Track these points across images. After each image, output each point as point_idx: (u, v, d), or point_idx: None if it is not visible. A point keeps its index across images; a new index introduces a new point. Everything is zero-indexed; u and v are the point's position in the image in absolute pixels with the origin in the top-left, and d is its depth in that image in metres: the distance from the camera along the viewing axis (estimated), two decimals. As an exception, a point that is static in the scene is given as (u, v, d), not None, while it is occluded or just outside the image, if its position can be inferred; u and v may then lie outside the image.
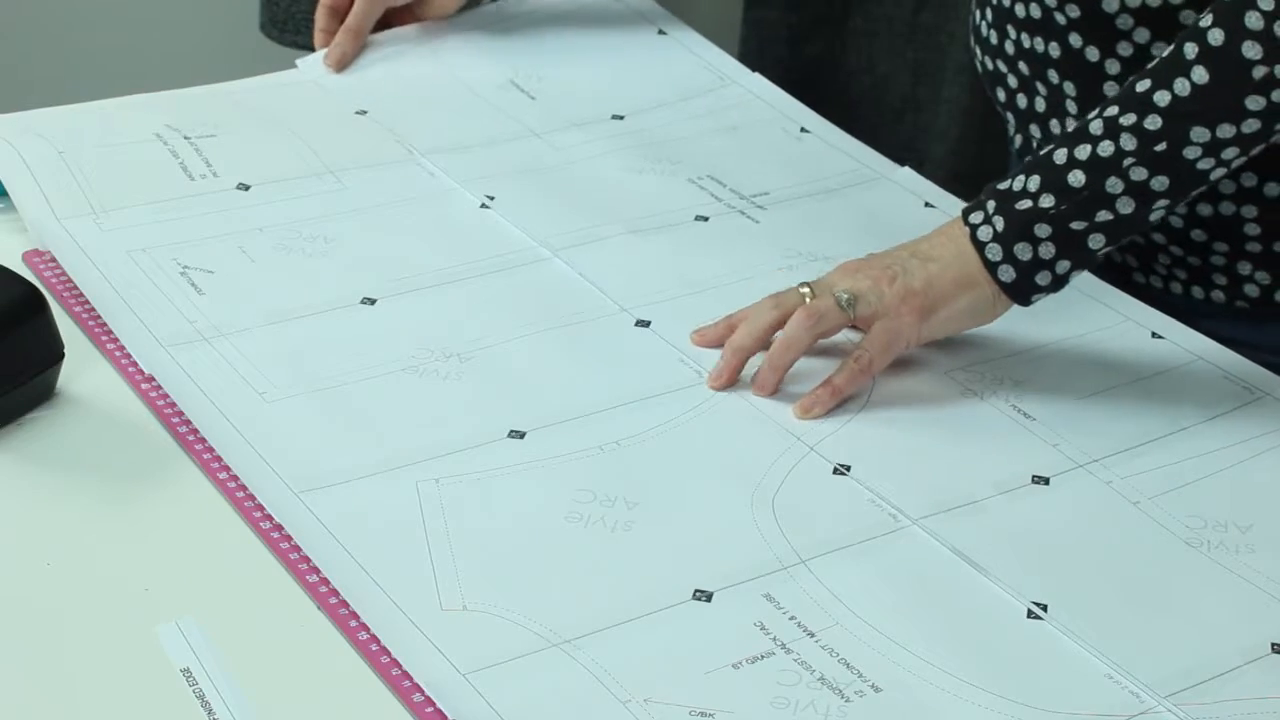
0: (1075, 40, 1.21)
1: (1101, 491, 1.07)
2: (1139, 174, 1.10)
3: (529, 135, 1.42)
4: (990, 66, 1.30)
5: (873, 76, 2.52)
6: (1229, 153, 1.10)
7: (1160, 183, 1.10)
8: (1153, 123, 1.09)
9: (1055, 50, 1.22)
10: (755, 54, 2.52)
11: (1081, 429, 1.12)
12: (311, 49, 1.53)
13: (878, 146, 1.46)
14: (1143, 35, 1.18)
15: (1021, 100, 1.28)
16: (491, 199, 1.32)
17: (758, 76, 1.52)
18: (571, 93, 1.48)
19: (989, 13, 1.28)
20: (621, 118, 1.45)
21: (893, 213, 1.35)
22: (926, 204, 1.36)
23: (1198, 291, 1.26)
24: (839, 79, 2.54)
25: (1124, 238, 1.13)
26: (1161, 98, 1.09)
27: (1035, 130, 1.28)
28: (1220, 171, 1.11)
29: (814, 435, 1.10)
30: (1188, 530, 1.04)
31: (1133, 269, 1.30)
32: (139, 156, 1.34)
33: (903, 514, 1.03)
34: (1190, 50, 1.09)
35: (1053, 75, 1.23)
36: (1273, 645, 0.96)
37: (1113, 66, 1.20)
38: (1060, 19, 1.20)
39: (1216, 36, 1.07)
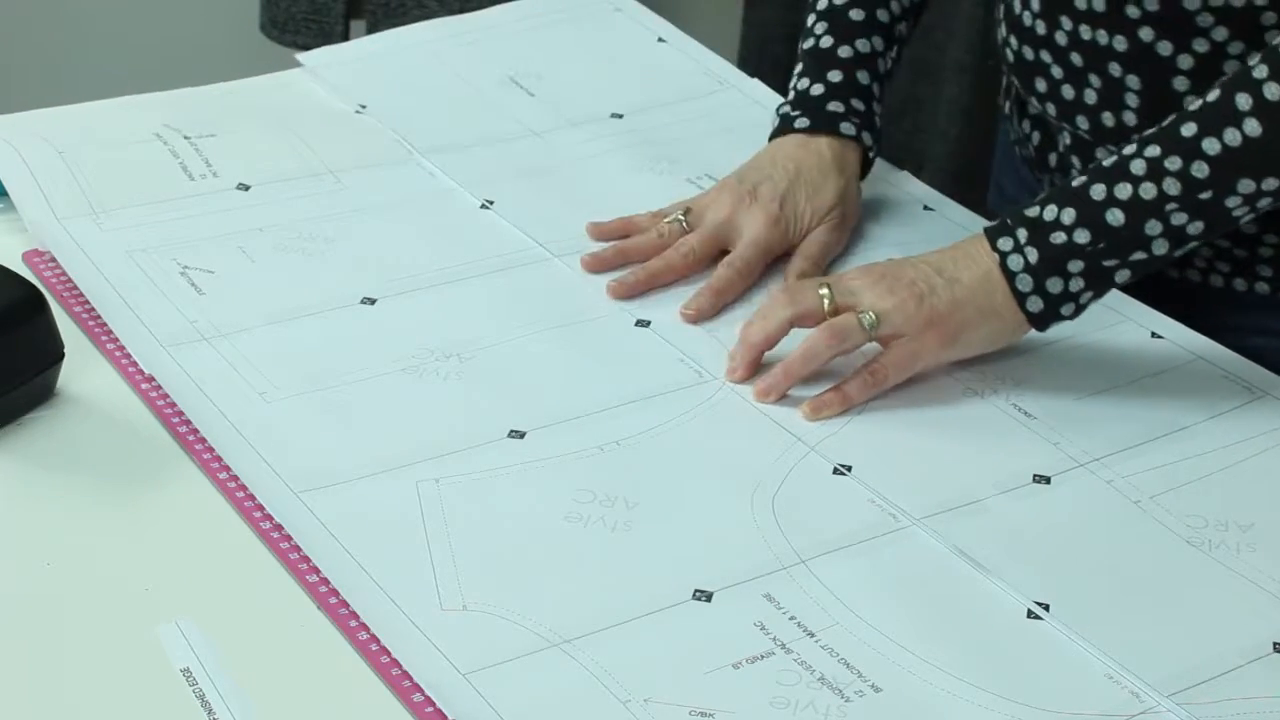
0: (1146, 34, 1.19)
1: (1102, 491, 1.07)
2: (1179, 219, 1.11)
3: (529, 135, 1.42)
4: (1031, 56, 1.28)
5: (872, 76, 2.52)
6: (1265, 201, 1.11)
7: (1196, 227, 1.11)
8: (1199, 170, 1.09)
9: (1121, 43, 1.20)
10: (755, 54, 2.52)
11: (1082, 428, 1.12)
12: (310, 48, 1.52)
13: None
14: (1221, 33, 1.17)
15: (1068, 91, 1.26)
16: (491, 200, 1.32)
17: (756, 82, 1.52)
18: (571, 92, 1.48)
19: (1035, 2, 1.26)
20: (621, 116, 1.45)
21: (891, 215, 1.35)
22: (925, 207, 1.36)
23: (1239, 284, 1.26)
24: (839, 79, 2.54)
25: (1147, 273, 1.14)
26: (1210, 145, 1.09)
27: (1083, 122, 1.26)
28: (1250, 215, 1.12)
29: (814, 435, 1.10)
30: (1188, 529, 1.04)
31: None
32: (139, 156, 1.34)
33: (903, 514, 1.03)
34: (1243, 101, 1.08)
35: (1114, 68, 1.22)
36: (1274, 645, 0.96)
37: (1185, 61, 1.19)
38: (1133, 12, 1.19)
39: (1273, 91, 1.08)
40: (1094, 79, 1.24)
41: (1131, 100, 1.22)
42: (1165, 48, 1.19)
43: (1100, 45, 1.22)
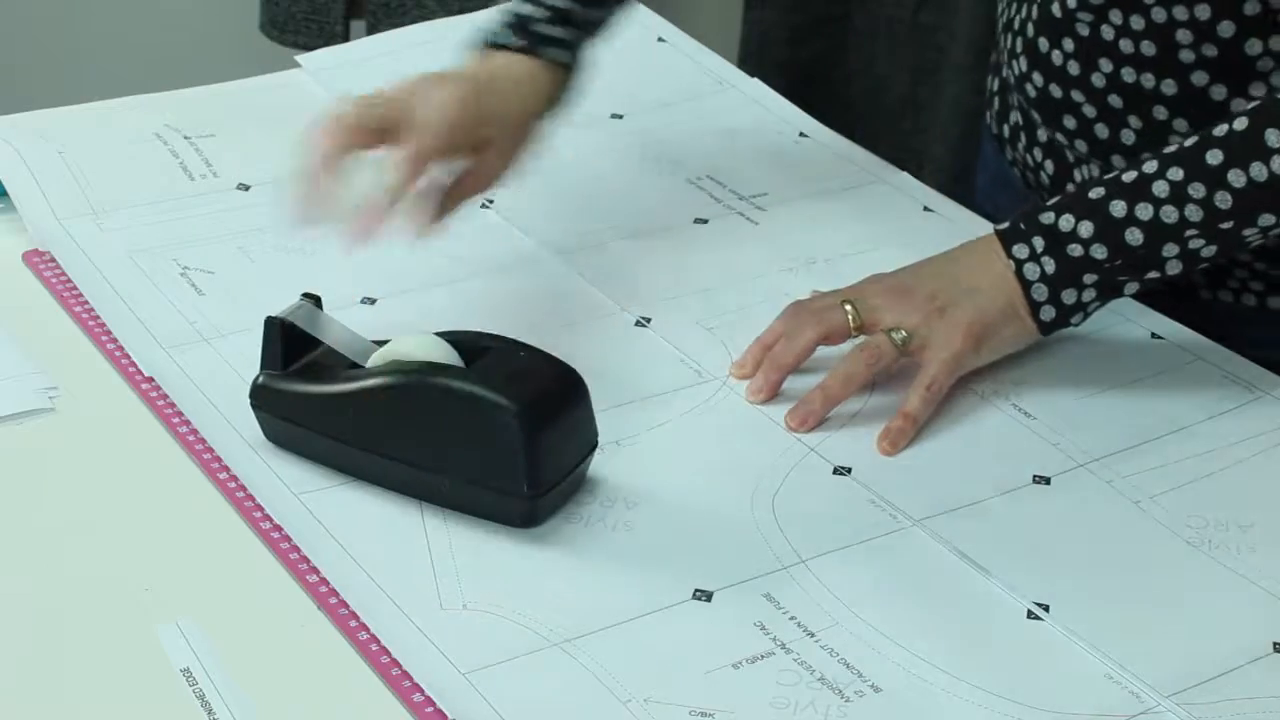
0: (1200, 78, 1.19)
1: (1102, 491, 1.07)
2: (1197, 243, 1.11)
3: (529, 135, 1.41)
4: (1059, 94, 1.26)
5: (872, 77, 2.53)
6: (1278, 231, 1.11)
7: (1211, 251, 1.12)
8: (1223, 200, 1.09)
9: (1170, 87, 1.20)
10: (755, 54, 2.52)
11: (1082, 428, 1.12)
12: (310, 48, 1.52)
13: (877, 147, 1.46)
14: None
15: (1101, 130, 1.25)
16: (491, 200, 1.32)
17: (756, 82, 1.52)
18: (571, 93, 1.48)
19: (1068, 43, 1.24)
20: (621, 117, 1.45)
21: (892, 215, 1.35)
22: (925, 208, 1.36)
23: (1274, 302, 1.26)
24: (839, 79, 2.55)
25: (1153, 287, 1.15)
26: (1236, 177, 1.09)
27: (1119, 161, 1.25)
28: (1260, 242, 1.13)
29: (814, 436, 1.10)
30: (1188, 530, 1.04)
31: (1199, 286, 1.28)
32: (139, 156, 1.34)
33: (903, 514, 1.03)
34: (1274, 138, 1.08)
35: (1159, 111, 1.21)
36: (1274, 644, 0.96)
37: (1239, 106, 1.17)
38: (1187, 57, 1.18)
39: None
40: (1134, 120, 1.23)
41: (1176, 143, 1.19)
42: (1219, 92, 1.19)
43: (1145, 88, 1.21)
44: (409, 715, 0.88)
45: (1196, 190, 1.10)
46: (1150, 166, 1.12)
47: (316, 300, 1.06)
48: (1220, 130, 1.11)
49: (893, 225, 1.33)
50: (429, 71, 1.16)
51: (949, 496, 1.05)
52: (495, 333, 1.05)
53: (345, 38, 2.36)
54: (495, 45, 1.19)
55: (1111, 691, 0.92)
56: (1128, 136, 1.24)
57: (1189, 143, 1.12)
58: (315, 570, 0.96)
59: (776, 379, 1.12)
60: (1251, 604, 0.99)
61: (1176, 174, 1.11)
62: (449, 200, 1.15)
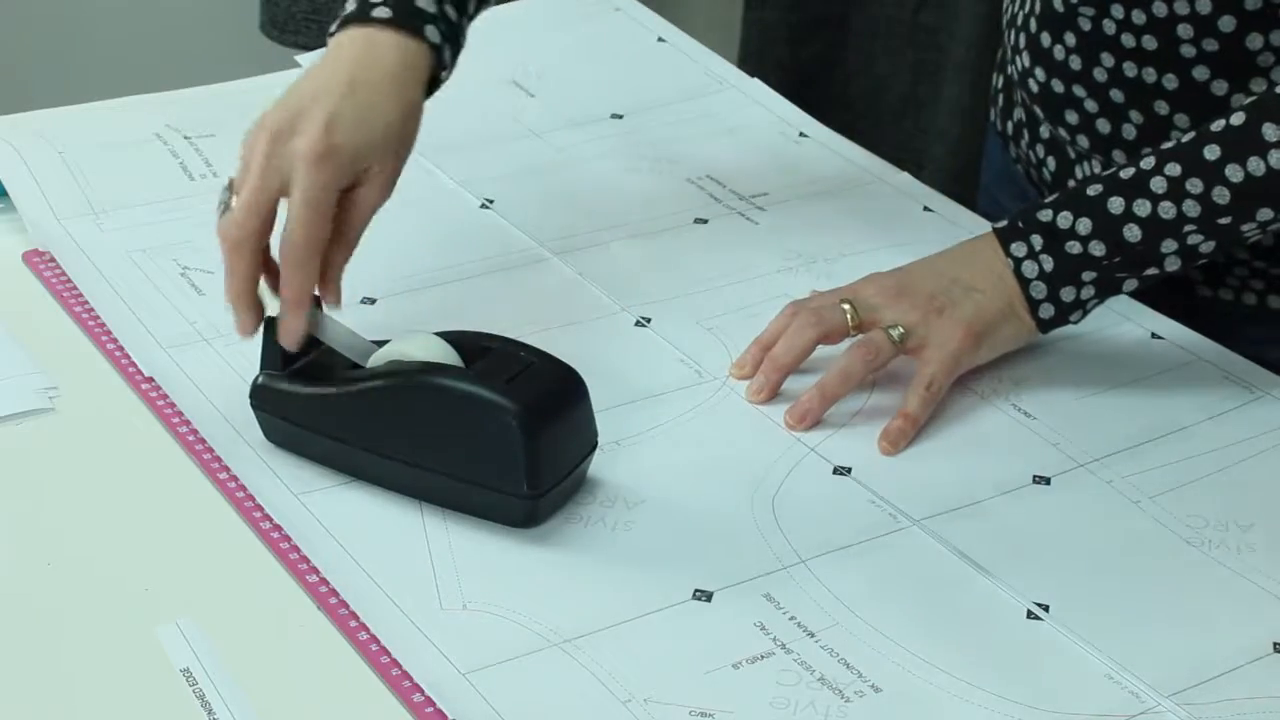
0: (1201, 73, 1.19)
1: (1102, 491, 1.07)
2: (1195, 239, 1.11)
3: (529, 135, 1.42)
4: (1061, 89, 1.26)
5: (872, 77, 2.52)
6: (1277, 226, 1.11)
7: (1209, 246, 1.12)
8: (1220, 196, 1.09)
9: (1171, 82, 1.20)
10: (755, 54, 2.52)
11: (1082, 428, 1.12)
12: (310, 48, 1.52)
13: (877, 147, 1.46)
14: None
15: (1103, 126, 1.25)
16: (491, 200, 1.32)
17: (756, 82, 1.52)
18: (571, 92, 1.48)
19: (1070, 38, 1.24)
20: (621, 117, 1.45)
21: (892, 216, 1.35)
22: (925, 208, 1.36)
23: (1275, 301, 1.26)
24: (839, 79, 2.55)
25: (1152, 284, 1.14)
26: (1234, 173, 1.09)
27: (1119, 156, 1.25)
28: (1259, 237, 1.13)
29: (814, 436, 1.10)
30: (1188, 529, 1.04)
31: (1199, 284, 1.28)
32: (139, 156, 1.34)
33: (903, 514, 1.03)
34: (1271, 133, 1.08)
35: (1160, 106, 1.21)
36: (1274, 644, 0.96)
37: (1239, 101, 1.18)
38: (1188, 51, 1.18)
39: None
40: (1135, 115, 1.23)
41: (1174, 139, 1.19)
42: (1220, 87, 1.19)
43: (1147, 83, 1.21)
44: (409, 715, 0.88)
45: (1194, 186, 1.10)
46: (1148, 163, 1.12)
47: (316, 300, 1.06)
48: (1217, 125, 1.11)
49: (893, 225, 1.33)
50: (280, 115, 1.03)
51: (949, 496, 1.05)
52: (495, 333, 1.05)
53: (345, 38, 2.36)
54: (370, 20, 1.07)
55: (1111, 691, 0.92)
56: (1129, 132, 1.24)
57: (1186, 138, 1.12)
58: (315, 570, 0.96)
59: (776, 379, 1.12)
60: (1251, 604, 0.99)
61: (1174, 169, 1.11)
62: (350, 228, 1.07)
